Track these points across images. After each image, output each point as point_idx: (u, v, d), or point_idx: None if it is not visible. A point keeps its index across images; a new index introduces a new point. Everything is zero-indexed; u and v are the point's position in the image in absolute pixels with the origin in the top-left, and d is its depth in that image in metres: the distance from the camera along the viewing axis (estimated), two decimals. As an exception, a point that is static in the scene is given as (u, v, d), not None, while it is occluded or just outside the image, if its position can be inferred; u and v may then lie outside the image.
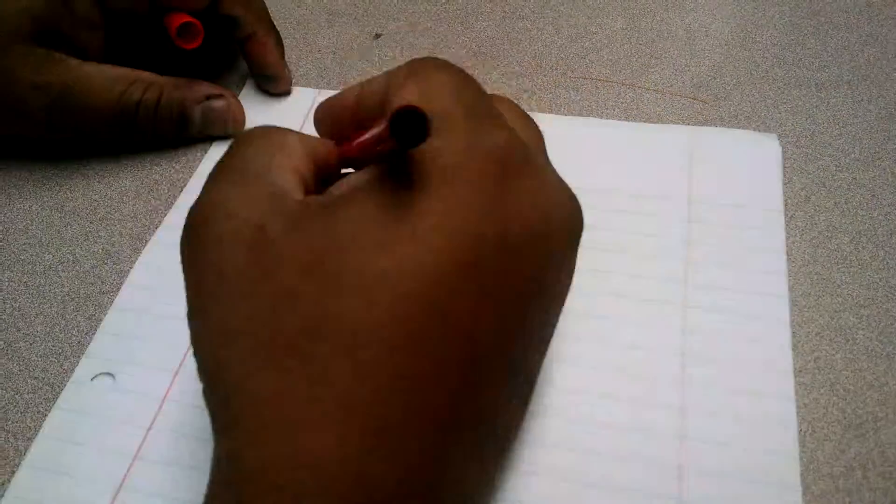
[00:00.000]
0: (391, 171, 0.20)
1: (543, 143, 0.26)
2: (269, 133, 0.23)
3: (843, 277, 0.32)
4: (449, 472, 0.19)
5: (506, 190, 0.20)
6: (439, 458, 0.19)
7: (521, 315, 0.21)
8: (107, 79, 0.37)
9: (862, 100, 0.40)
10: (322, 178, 0.23)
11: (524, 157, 0.21)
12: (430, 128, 0.18)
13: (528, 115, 0.26)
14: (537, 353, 0.23)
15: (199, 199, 0.22)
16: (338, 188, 0.21)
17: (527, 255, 0.21)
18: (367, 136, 0.21)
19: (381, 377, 0.18)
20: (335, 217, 0.20)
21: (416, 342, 0.19)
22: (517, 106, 0.26)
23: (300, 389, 0.18)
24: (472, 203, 0.20)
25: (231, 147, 0.23)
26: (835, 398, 0.29)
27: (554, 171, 0.24)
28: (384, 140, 0.19)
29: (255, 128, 0.24)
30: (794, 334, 0.30)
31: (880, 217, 0.34)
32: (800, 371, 0.29)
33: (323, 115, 0.27)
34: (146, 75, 0.38)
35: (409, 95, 0.21)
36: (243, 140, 0.23)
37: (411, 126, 0.18)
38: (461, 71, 0.24)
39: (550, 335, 0.24)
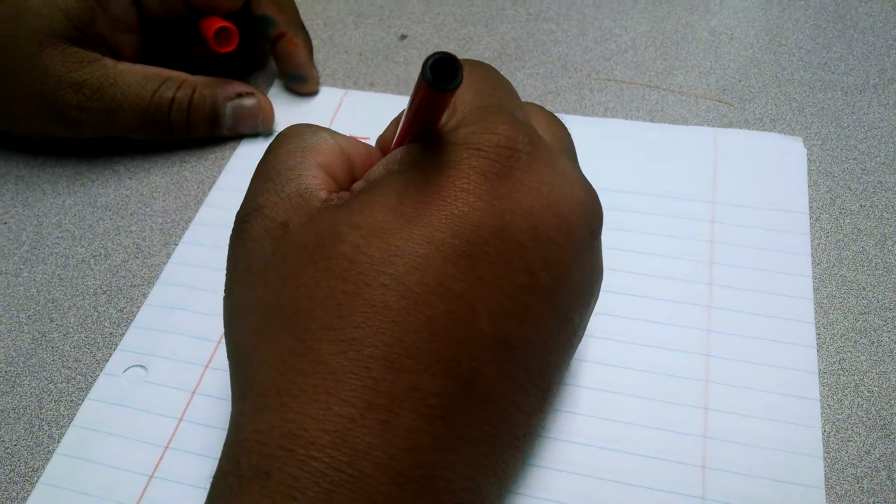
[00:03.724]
0: (400, 166, 0.22)
1: (569, 141, 0.27)
2: (302, 132, 0.25)
3: (869, 280, 0.32)
4: (452, 455, 0.20)
5: (508, 183, 0.21)
6: (437, 438, 0.20)
7: (526, 306, 0.21)
8: (140, 77, 0.38)
9: (888, 103, 0.40)
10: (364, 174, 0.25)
11: (531, 151, 0.22)
12: (462, 72, 0.18)
13: (555, 116, 0.27)
14: (555, 350, 0.23)
15: (245, 197, 0.24)
16: (358, 184, 0.23)
17: (529, 247, 0.21)
18: (402, 122, 0.23)
19: (366, 355, 0.19)
20: (344, 209, 0.21)
21: (400, 327, 0.19)
22: (543, 108, 0.27)
23: (293, 363, 0.20)
24: (470, 195, 0.21)
25: (270, 145, 0.25)
26: (859, 399, 0.29)
27: (570, 165, 0.24)
28: (421, 90, 0.20)
29: (292, 126, 0.26)
30: (818, 336, 0.31)
31: (906, 220, 0.35)
32: (824, 372, 0.29)
33: (378, 141, 0.28)
34: (178, 74, 0.39)
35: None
36: (280, 139, 0.25)
37: (444, 72, 0.18)
38: (486, 69, 0.25)
39: (572, 333, 0.24)
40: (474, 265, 0.20)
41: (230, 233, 0.24)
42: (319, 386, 0.19)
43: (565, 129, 0.27)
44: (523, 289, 0.21)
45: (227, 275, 0.24)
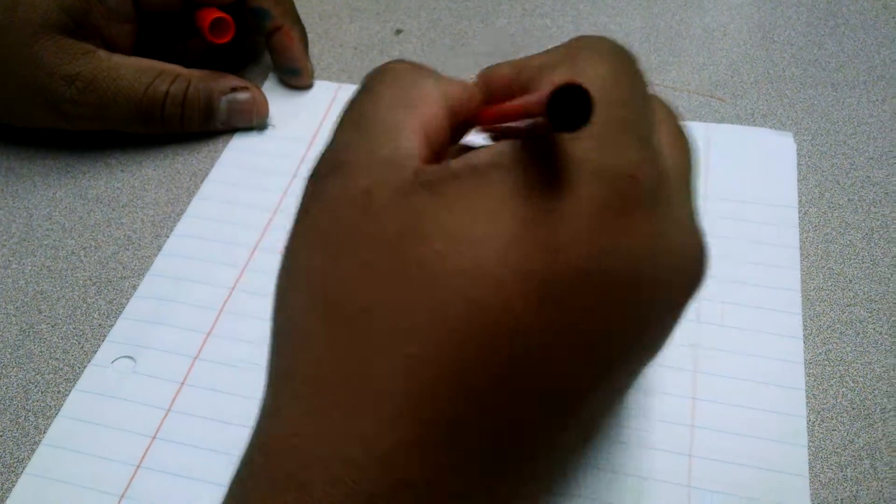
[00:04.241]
0: (507, 169, 0.18)
1: (688, 167, 0.22)
2: (405, 81, 0.22)
3: (855, 272, 0.33)
4: (494, 490, 0.19)
5: (621, 225, 0.18)
6: (484, 473, 0.19)
7: (597, 362, 0.19)
8: (135, 70, 0.38)
9: (877, 100, 0.40)
10: (459, 127, 0.23)
11: (653, 190, 0.19)
12: (594, 112, 0.15)
13: (681, 129, 0.22)
14: (604, 401, 0.22)
15: (330, 146, 0.22)
16: (458, 162, 0.19)
17: (622, 300, 0.19)
18: (513, 103, 0.19)
19: (420, 375, 0.18)
20: (435, 199, 0.19)
21: (460, 354, 0.18)
22: (675, 118, 0.22)
23: (339, 368, 0.18)
24: (577, 231, 0.18)
25: (368, 84, 0.22)
26: (844, 389, 0.29)
27: (687, 207, 0.21)
28: (535, 116, 0.16)
29: (394, 66, 0.23)
30: (805, 327, 0.31)
31: (893, 214, 0.35)
32: (810, 363, 0.30)
33: (481, 76, 0.24)
34: (173, 67, 0.39)
35: (557, 80, 0.17)
36: (380, 83, 0.22)
37: (569, 106, 0.15)
38: (627, 61, 0.21)
39: (625, 387, 0.23)
40: (559, 310, 0.18)
41: (307, 175, 0.22)
42: (363, 401, 0.18)
43: (689, 147, 0.22)
44: (597, 336, 0.19)
45: (294, 229, 0.22)
